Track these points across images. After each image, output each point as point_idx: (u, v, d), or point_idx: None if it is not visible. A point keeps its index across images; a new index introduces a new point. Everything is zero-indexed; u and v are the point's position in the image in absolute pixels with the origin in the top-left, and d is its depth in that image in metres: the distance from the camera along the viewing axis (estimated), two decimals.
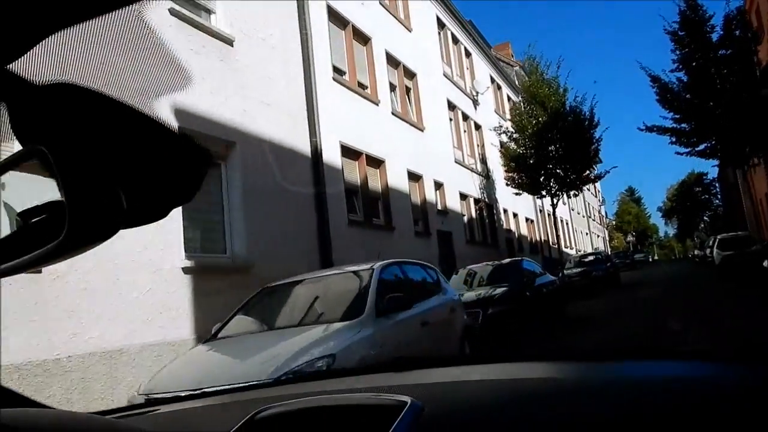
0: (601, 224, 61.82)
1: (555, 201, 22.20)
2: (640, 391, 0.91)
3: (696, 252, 34.81)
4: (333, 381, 1.39)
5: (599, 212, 61.24)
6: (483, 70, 24.22)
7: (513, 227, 24.58)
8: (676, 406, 0.83)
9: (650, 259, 73.52)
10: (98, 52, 0.55)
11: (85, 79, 0.53)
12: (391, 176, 13.50)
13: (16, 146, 0.55)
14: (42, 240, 0.52)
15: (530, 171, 21.12)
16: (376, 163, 13.13)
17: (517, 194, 22.23)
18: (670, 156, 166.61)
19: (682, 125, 18.45)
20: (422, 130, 16.18)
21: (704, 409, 0.81)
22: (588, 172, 23.23)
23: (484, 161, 22.33)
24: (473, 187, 20.07)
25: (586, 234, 48.25)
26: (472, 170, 20.24)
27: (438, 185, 16.75)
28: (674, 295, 15.47)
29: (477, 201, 20.31)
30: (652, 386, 0.92)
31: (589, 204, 53.99)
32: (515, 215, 25.09)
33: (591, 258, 22.89)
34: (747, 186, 27.24)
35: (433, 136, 16.84)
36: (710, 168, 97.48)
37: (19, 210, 0.56)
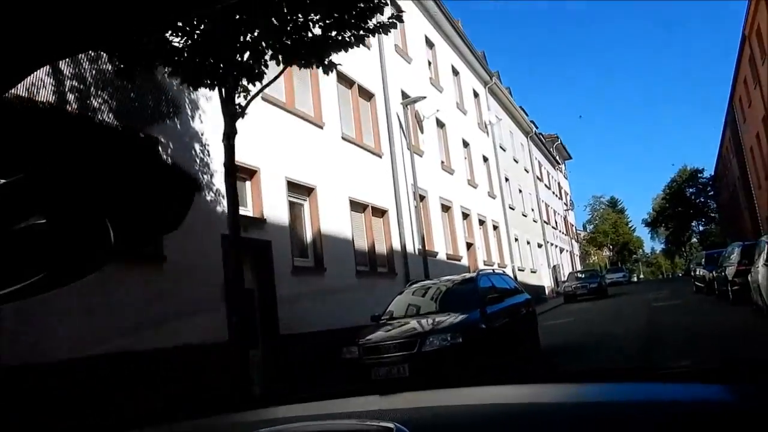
0: (568, 235, 47.11)
1: (233, 94, 5.91)
2: (632, 413, 0.92)
3: (700, 272, 20.14)
4: (323, 403, 1.41)
5: (564, 219, 46.45)
6: None
7: (252, 210, 9.81)
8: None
9: (633, 279, 58.67)
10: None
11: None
12: None
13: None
14: (31, 271, 0.52)
15: None
16: None
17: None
18: (657, 154, 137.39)
19: None
20: None
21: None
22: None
23: None
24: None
25: (539, 246, 33.55)
26: None
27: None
28: None
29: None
30: (650, 409, 0.93)
31: (547, 205, 39.44)
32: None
33: (446, 287, 8.34)
34: None
35: None
36: (707, 161, 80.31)
37: (4, 241, 0.54)
